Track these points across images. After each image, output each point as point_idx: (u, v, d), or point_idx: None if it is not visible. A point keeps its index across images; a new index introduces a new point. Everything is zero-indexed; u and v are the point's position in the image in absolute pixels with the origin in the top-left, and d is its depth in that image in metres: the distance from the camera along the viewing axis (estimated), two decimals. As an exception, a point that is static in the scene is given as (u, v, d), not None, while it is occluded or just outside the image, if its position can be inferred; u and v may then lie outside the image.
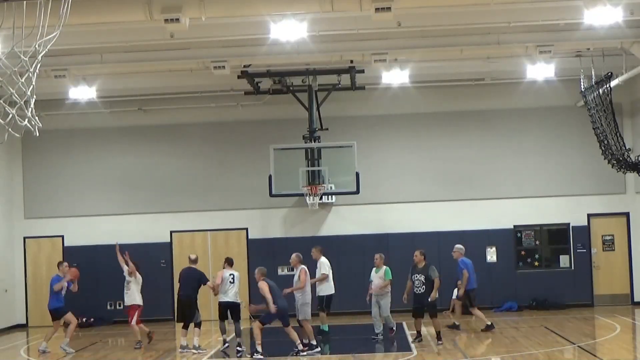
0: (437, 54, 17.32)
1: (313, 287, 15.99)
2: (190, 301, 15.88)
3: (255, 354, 14.37)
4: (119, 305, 19.93)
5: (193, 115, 21.43)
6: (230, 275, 15.63)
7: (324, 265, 16.64)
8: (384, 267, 16.12)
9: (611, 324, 17.58)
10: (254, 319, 15.38)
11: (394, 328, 16.27)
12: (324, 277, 16.49)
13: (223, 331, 15.81)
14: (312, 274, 16.22)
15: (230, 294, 15.55)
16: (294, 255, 15.58)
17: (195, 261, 16.30)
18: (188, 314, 15.83)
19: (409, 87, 20.17)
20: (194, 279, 15.92)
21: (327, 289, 16.61)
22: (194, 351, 15.44)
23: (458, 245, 17.70)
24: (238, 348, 15.14)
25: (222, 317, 15.67)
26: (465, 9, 14.19)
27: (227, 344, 15.76)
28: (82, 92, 18.96)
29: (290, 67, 18.55)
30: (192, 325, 15.88)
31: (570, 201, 20.96)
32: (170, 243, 21.24)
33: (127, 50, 16.06)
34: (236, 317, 15.50)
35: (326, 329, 16.85)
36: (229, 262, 15.98)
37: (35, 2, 6.58)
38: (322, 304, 16.64)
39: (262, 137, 20.58)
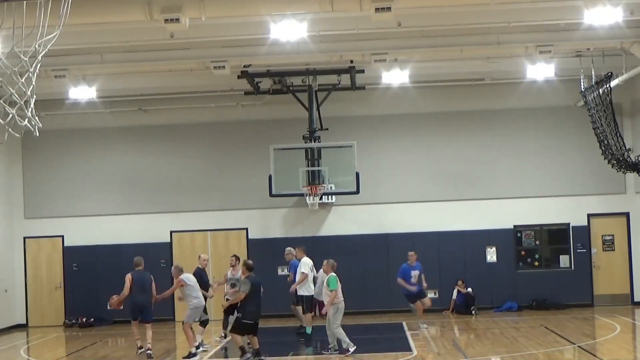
0: (437, 54, 17.32)
1: None
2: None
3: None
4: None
5: (193, 115, 21.43)
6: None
7: (304, 264, 16.69)
8: (331, 274, 14.38)
9: (611, 324, 17.57)
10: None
11: (350, 349, 14.12)
12: (304, 277, 16.51)
13: (225, 326, 15.97)
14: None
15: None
16: (174, 268, 14.95)
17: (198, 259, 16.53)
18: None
19: (409, 87, 20.17)
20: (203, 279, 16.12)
21: (306, 289, 16.62)
22: (202, 348, 15.55)
23: (289, 248, 17.69)
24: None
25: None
26: (465, 9, 14.20)
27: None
28: (82, 92, 18.95)
29: (290, 67, 18.56)
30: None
31: (570, 201, 20.97)
32: (170, 243, 21.22)
33: (127, 50, 16.07)
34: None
35: (309, 331, 16.65)
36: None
37: (35, 2, 6.58)
38: (302, 305, 16.73)
39: (262, 137, 20.58)
